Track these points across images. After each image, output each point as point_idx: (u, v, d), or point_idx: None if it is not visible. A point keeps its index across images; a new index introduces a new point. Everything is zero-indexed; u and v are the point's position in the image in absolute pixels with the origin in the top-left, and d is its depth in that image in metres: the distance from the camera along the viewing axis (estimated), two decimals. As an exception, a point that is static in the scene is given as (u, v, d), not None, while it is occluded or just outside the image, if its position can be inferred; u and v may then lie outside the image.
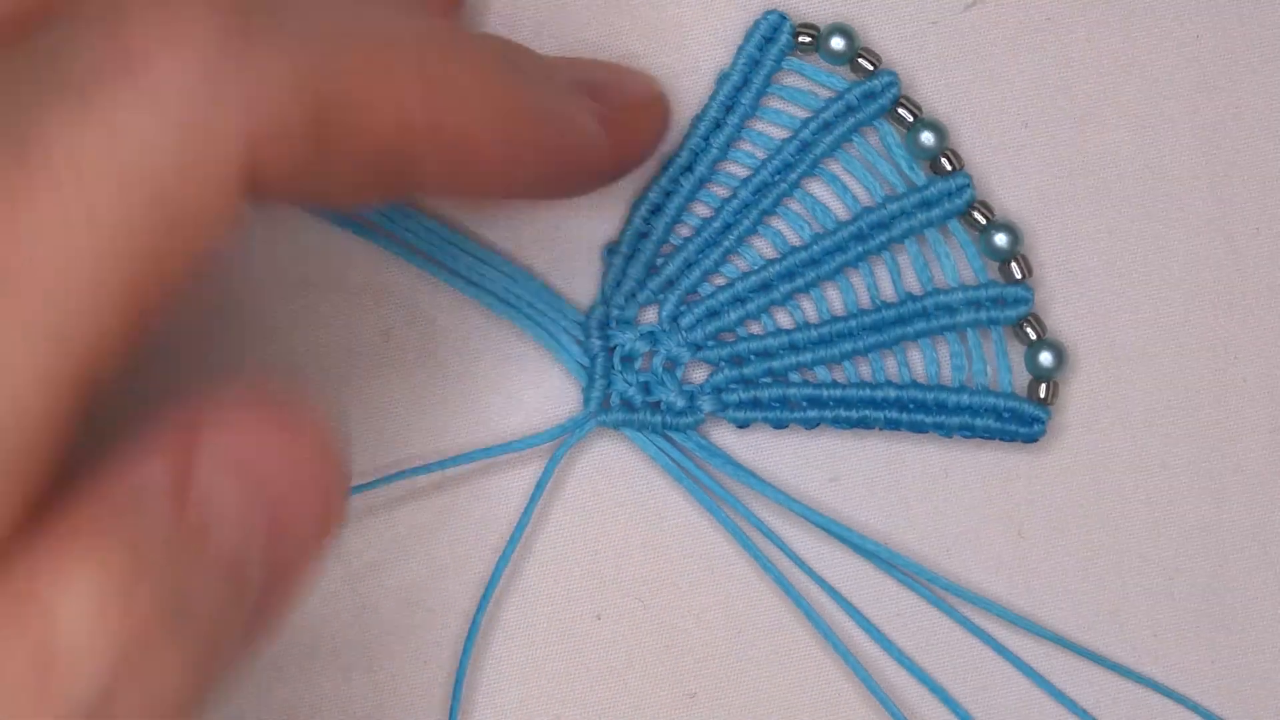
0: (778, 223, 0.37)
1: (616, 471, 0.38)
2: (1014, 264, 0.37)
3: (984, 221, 0.37)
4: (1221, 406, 0.39)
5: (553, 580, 0.39)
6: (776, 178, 0.37)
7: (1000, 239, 0.37)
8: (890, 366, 0.37)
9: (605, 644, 0.39)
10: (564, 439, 0.37)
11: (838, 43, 0.37)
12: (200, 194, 0.26)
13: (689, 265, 0.37)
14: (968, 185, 0.37)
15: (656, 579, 0.39)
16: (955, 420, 0.37)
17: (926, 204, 0.37)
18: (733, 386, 0.37)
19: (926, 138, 0.37)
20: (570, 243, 0.38)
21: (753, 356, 0.37)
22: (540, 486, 0.37)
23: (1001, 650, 0.38)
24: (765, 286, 0.37)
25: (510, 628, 0.39)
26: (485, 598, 0.37)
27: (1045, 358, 0.37)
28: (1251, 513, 0.39)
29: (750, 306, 0.37)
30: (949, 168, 0.37)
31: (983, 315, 0.37)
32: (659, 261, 0.37)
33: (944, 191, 0.37)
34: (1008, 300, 0.37)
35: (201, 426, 0.27)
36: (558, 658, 0.39)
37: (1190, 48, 0.39)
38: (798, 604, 0.37)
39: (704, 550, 0.38)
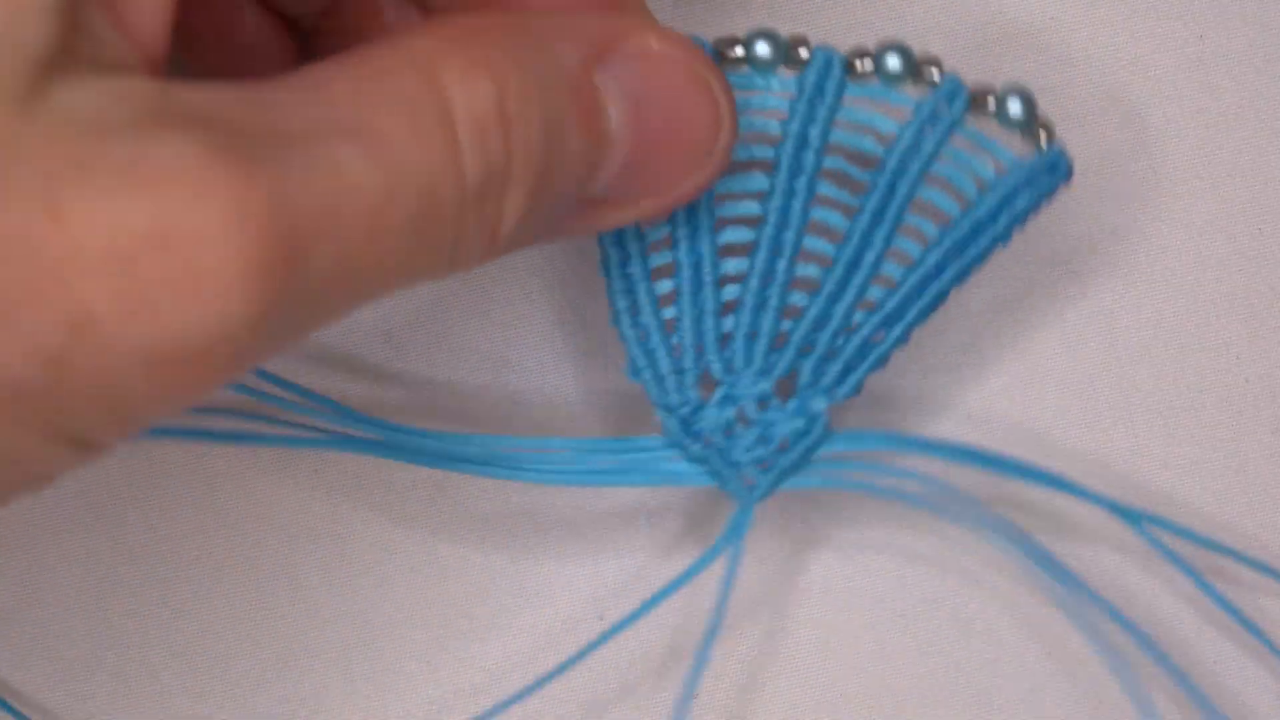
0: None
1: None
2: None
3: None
4: (1224, 407, 0.39)
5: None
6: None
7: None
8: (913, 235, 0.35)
9: None
10: (730, 544, 0.35)
11: (1015, 108, 0.35)
12: None
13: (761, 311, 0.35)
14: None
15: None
16: (1001, 223, 0.34)
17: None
18: (821, 369, 0.35)
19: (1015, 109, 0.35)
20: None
21: (819, 335, 0.35)
22: (724, 594, 0.36)
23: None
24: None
25: (513, 628, 0.39)
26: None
27: (1014, 107, 0.35)
28: (1253, 514, 0.39)
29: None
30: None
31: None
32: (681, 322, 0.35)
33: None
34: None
35: (640, 29, 0.30)
36: None
37: (1193, 48, 0.39)
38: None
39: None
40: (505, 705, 0.36)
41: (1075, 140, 0.39)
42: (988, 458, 0.35)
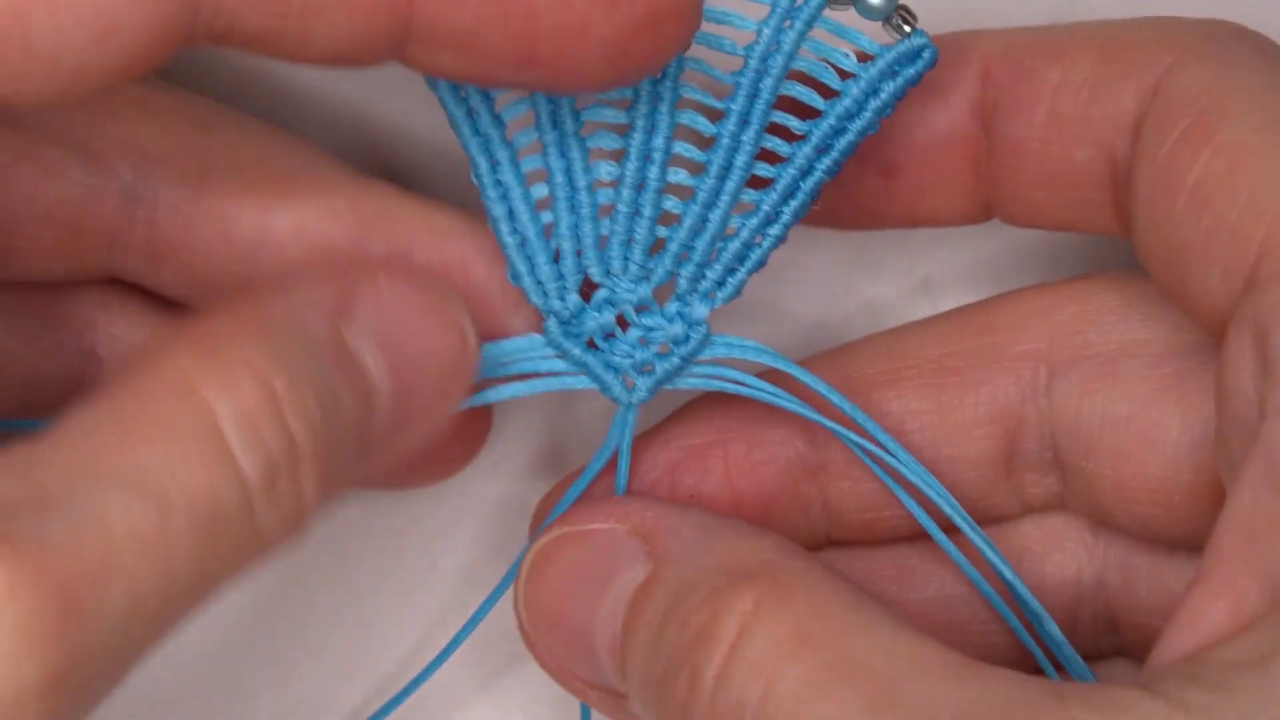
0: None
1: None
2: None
3: None
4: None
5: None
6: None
7: None
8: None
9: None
10: (616, 443, 0.36)
11: None
12: None
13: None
14: None
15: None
16: (867, 113, 0.34)
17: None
18: (699, 274, 0.35)
19: None
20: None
21: (696, 241, 0.35)
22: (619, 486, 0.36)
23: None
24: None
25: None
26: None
27: None
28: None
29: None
30: None
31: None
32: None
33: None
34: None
35: (369, 274, 0.31)
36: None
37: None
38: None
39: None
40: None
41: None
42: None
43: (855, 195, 0.36)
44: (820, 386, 0.35)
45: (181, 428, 0.27)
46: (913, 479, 0.35)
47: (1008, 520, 0.36)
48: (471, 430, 0.38)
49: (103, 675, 0.26)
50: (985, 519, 0.36)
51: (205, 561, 0.27)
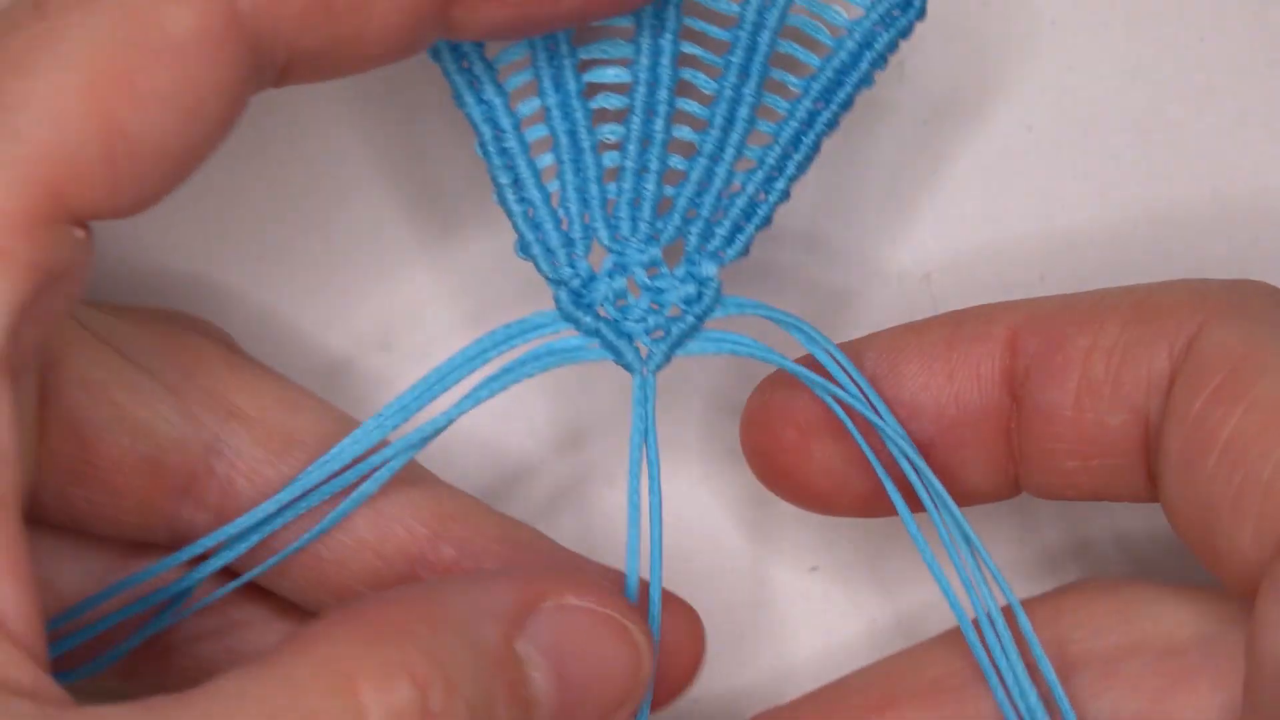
0: None
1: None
2: None
3: None
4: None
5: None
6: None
7: None
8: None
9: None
10: (639, 412, 0.35)
11: None
12: None
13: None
14: None
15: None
16: (863, 65, 0.35)
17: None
18: (708, 232, 0.35)
19: None
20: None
21: (703, 198, 0.35)
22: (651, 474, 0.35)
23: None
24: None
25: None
26: None
27: None
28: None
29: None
30: None
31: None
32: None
33: None
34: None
35: (551, 589, 0.31)
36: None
37: (1194, 50, 0.39)
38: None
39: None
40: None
41: (1077, 144, 0.39)
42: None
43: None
44: (836, 353, 0.35)
45: None
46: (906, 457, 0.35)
47: None
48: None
49: None
50: None
51: None
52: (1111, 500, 0.34)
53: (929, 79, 0.38)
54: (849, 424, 0.34)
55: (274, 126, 0.39)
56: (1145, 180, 0.39)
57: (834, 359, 0.35)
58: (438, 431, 0.34)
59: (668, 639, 0.34)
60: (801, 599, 0.37)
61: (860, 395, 0.34)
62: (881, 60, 0.35)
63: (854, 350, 0.35)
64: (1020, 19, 0.38)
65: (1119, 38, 0.39)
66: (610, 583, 0.32)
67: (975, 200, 0.39)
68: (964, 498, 0.35)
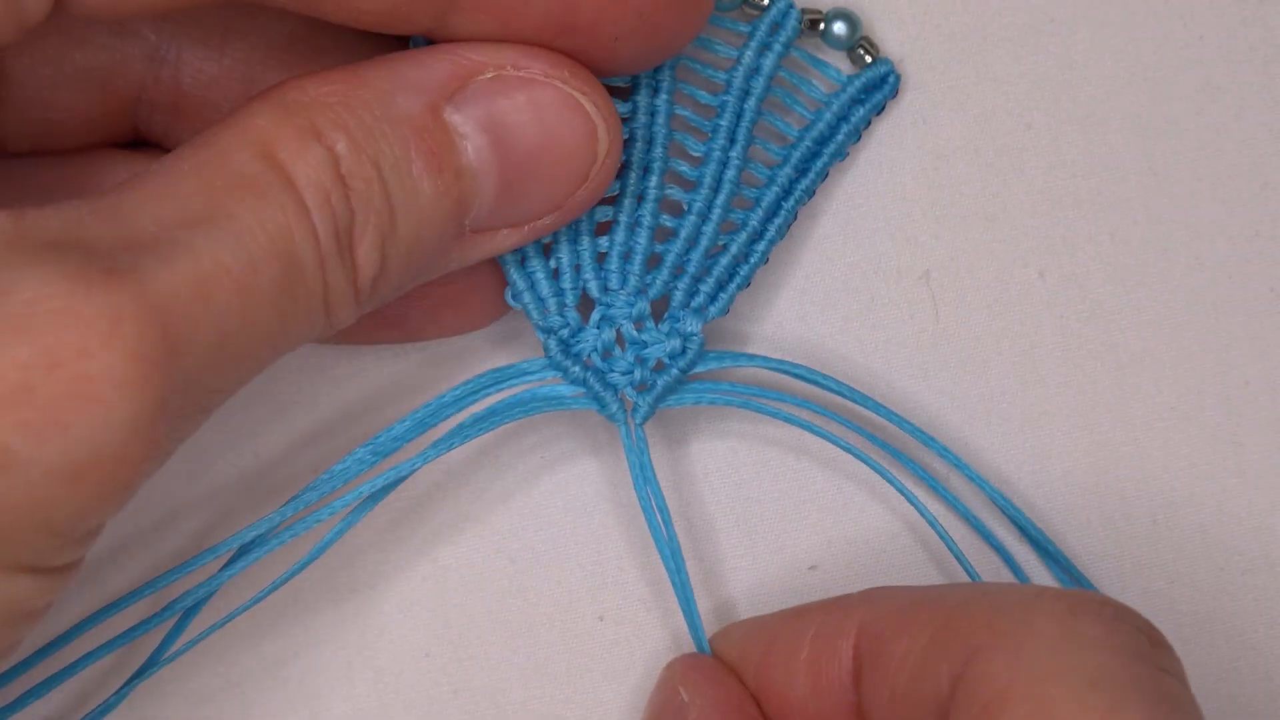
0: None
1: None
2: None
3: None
4: (1224, 409, 0.39)
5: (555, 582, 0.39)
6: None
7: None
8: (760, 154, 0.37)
9: (608, 645, 0.39)
10: (632, 461, 0.36)
11: (840, 28, 0.37)
12: None
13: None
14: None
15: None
16: (840, 137, 0.37)
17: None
18: (693, 289, 0.36)
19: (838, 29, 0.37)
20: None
21: (691, 255, 0.36)
22: (665, 513, 0.37)
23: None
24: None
25: (515, 627, 0.39)
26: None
27: (839, 28, 0.37)
28: (1253, 515, 0.39)
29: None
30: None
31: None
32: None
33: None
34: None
35: (492, 60, 0.31)
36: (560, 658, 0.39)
37: (1193, 49, 0.39)
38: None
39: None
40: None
41: (1076, 142, 0.39)
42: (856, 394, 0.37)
43: None
44: (827, 381, 0.36)
45: (264, 182, 0.28)
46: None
47: None
48: (494, 284, 0.37)
49: (192, 411, 0.28)
50: None
51: (284, 312, 0.28)
52: None
53: (929, 78, 0.38)
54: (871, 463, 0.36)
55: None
56: (1145, 179, 0.39)
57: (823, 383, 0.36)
58: (415, 469, 0.35)
59: None
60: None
61: None
62: (857, 133, 0.37)
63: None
64: (1020, 17, 0.38)
65: (1119, 37, 0.39)
66: (565, 60, 0.32)
67: (975, 200, 0.39)
68: None
